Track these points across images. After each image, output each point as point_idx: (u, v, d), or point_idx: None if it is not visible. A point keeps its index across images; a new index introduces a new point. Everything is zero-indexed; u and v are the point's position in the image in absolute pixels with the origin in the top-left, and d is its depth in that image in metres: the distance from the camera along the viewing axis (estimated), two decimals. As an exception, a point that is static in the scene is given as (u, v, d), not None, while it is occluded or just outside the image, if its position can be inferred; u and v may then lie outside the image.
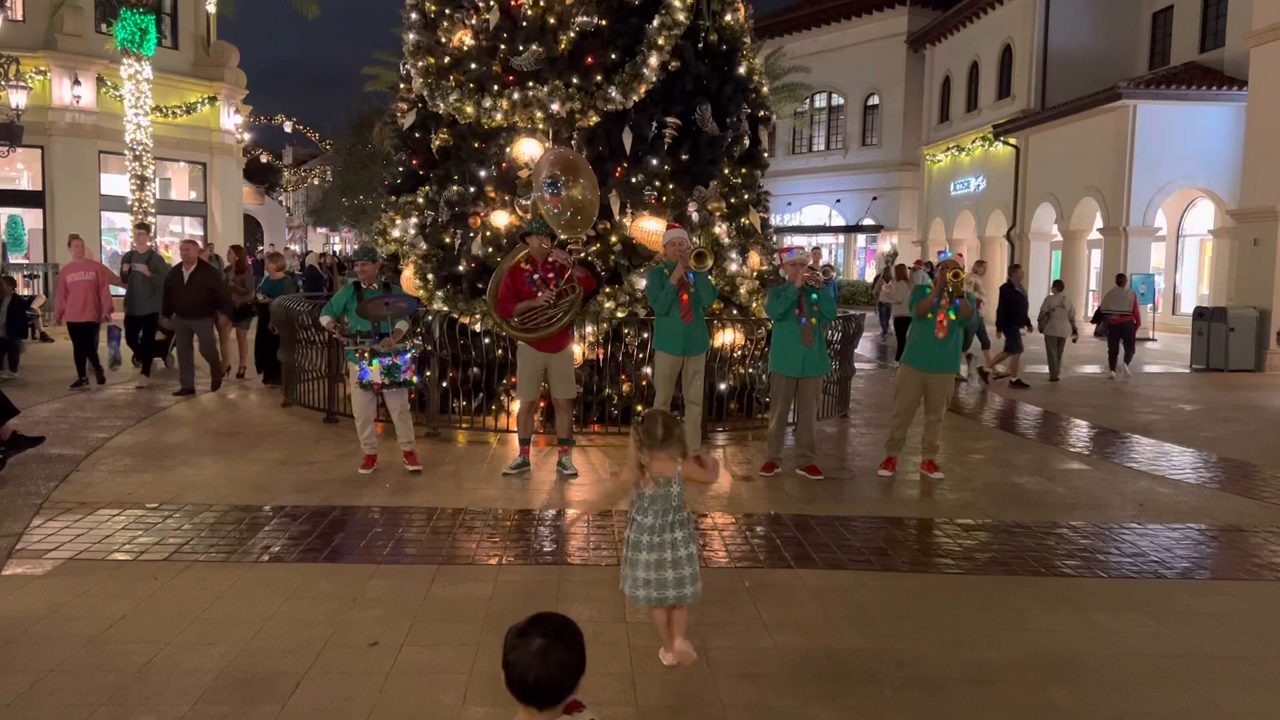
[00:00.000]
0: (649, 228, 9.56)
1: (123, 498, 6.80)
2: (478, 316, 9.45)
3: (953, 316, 7.87)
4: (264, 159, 43.86)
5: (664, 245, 8.06)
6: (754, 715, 3.82)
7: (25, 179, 24.47)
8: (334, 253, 34.67)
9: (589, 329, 9.40)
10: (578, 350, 9.30)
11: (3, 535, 5.90)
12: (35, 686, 3.90)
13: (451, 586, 5.17)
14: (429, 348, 9.29)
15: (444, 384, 9.57)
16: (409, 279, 10.34)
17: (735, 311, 10.02)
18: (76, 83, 23.57)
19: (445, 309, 9.68)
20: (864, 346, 18.57)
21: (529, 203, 9.08)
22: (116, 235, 25.32)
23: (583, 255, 9.54)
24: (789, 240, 34.99)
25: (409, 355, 7.54)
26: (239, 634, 4.46)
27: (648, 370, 9.49)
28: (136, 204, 22.19)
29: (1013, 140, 28.09)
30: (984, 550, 6.08)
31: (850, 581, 5.43)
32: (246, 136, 30.39)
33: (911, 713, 3.88)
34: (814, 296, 7.76)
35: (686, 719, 3.79)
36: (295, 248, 47.22)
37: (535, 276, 7.61)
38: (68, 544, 5.77)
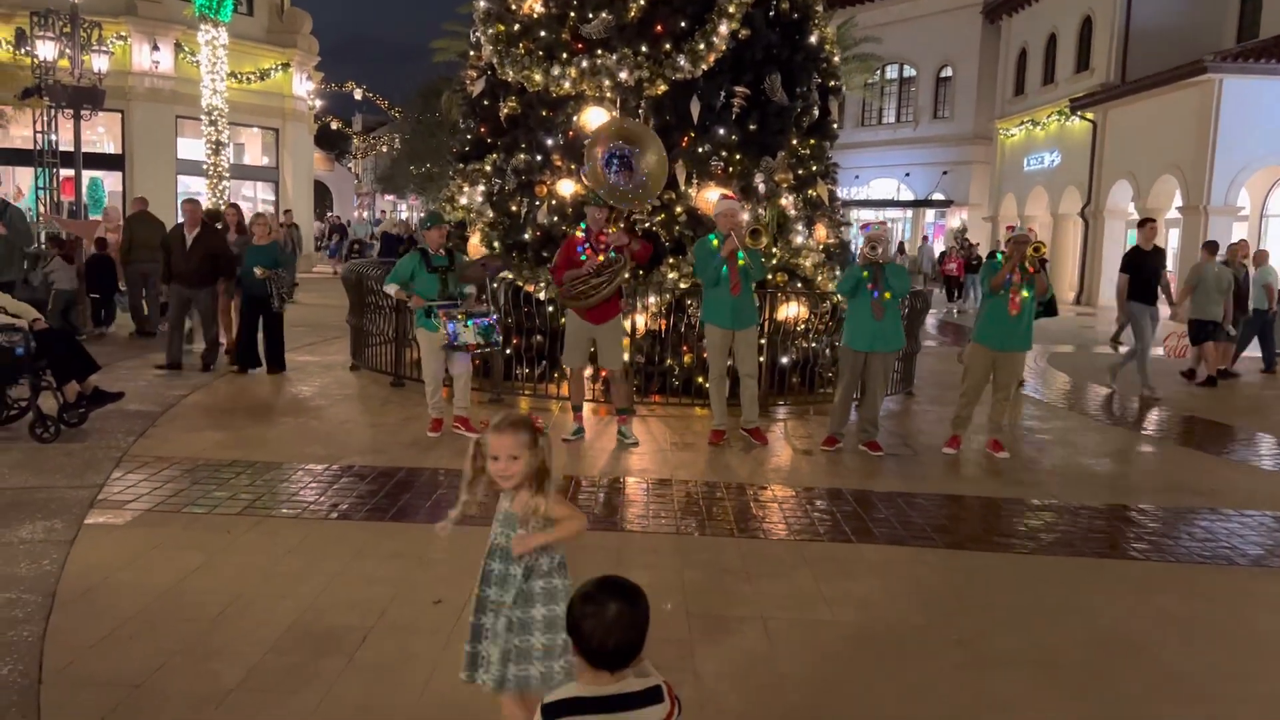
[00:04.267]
0: (714, 198, 9.51)
1: (197, 454, 7.00)
2: (542, 284, 9.51)
3: (1025, 295, 7.71)
4: (334, 126, 44.42)
5: (715, 216, 8.01)
6: (811, 688, 3.82)
7: (106, 143, 25.13)
8: (405, 220, 35.11)
9: (651, 299, 9.40)
10: (640, 321, 9.31)
11: (85, 486, 6.11)
12: (115, 632, 4.05)
13: (513, 549, 5.24)
14: (497, 315, 9.39)
15: (508, 350, 9.66)
16: (475, 246, 10.42)
17: (799, 285, 9.93)
18: (155, 48, 24.08)
19: (510, 276, 9.74)
20: (930, 324, 18.30)
21: (586, 173, 9.08)
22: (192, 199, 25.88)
23: (646, 226, 9.54)
24: (856, 215, 34.50)
25: (495, 317, 7.67)
26: (308, 588, 4.58)
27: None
28: (212, 168, 22.68)
29: (1090, 115, 27.30)
30: (1049, 531, 6.00)
31: (911, 558, 5.40)
32: (318, 103, 30.82)
33: (971, 691, 3.85)
34: (886, 270, 7.65)
35: (744, 686, 3.81)
36: (362, 214, 47.84)
37: (585, 246, 7.65)
38: (145, 496, 5.97)
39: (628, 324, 8.93)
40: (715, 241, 7.76)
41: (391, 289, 7.96)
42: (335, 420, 8.43)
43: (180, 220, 11.01)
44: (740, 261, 7.61)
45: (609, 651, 2.10)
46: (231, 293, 11.16)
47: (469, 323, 7.45)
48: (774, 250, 7.97)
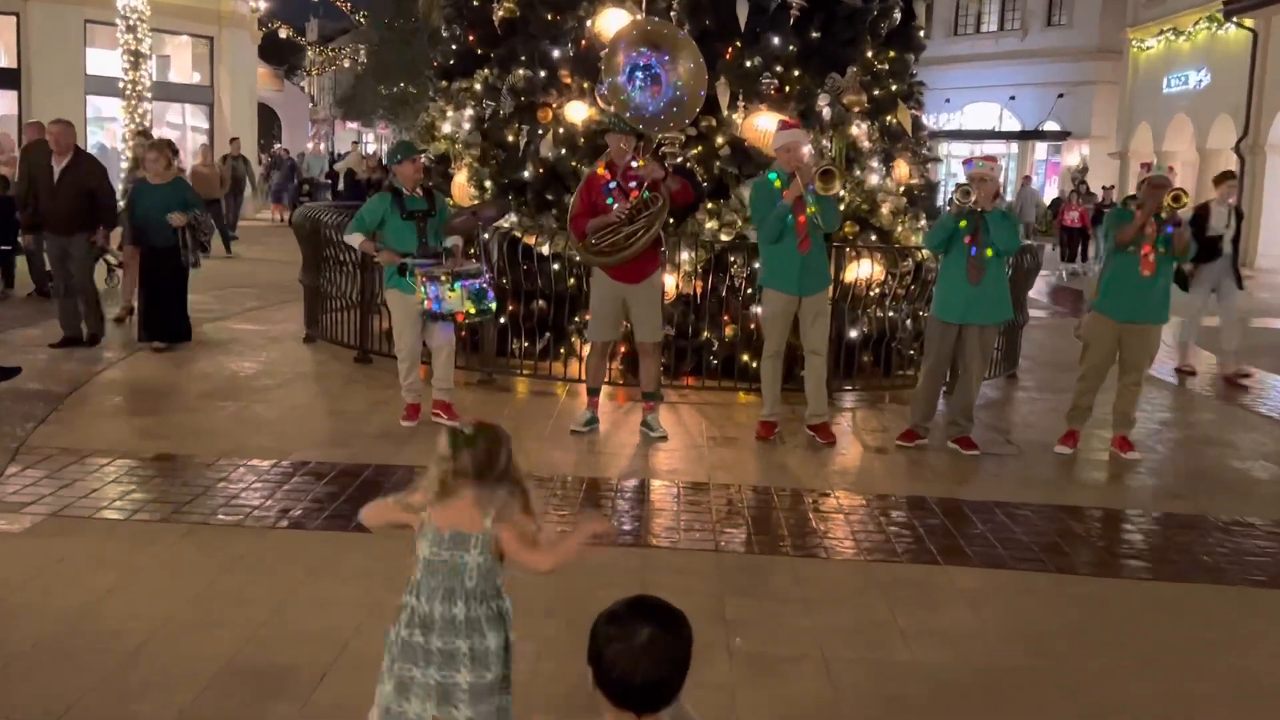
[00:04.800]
0: (765, 127, 9.45)
1: (113, 445, 7.07)
2: (545, 236, 9.52)
3: (1161, 250, 7.64)
4: (284, 34, 44.47)
5: (775, 150, 7.94)
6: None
7: (-3, 54, 25.33)
8: (372, 153, 35.09)
9: (684, 255, 9.40)
10: (670, 282, 9.31)
11: (-28, 484, 6.22)
12: (8, 669, 4.11)
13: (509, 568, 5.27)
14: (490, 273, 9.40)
15: (502, 319, 9.68)
16: (461, 186, 10.45)
17: (874, 237, 9.89)
18: (58, -67, 24.18)
19: (505, 225, 9.75)
20: (1040, 289, 18.19)
21: (607, 92, 9.02)
22: (104, 125, 26.02)
23: (680, 161, 9.52)
24: (946, 149, 34.25)
25: (489, 277, 7.59)
26: (251, 615, 4.62)
27: (757, 309, 9.46)
28: (130, 86, 22.76)
29: (1249, 21, 26.92)
30: (1185, 552, 5.98)
31: (1014, 584, 5.39)
32: (262, 5, 30.84)
33: (1088, 752, 3.86)
34: (989, 220, 7.54)
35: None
36: (319, 145, 47.88)
37: (613, 186, 7.60)
38: (47, 497, 6.03)
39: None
40: (777, 182, 7.67)
41: (355, 239, 7.95)
42: (285, 405, 8.48)
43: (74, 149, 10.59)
44: (810, 209, 7.56)
45: (635, 688, 2.11)
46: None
47: (455, 285, 7.36)
48: (843, 193, 7.88)
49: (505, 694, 3.09)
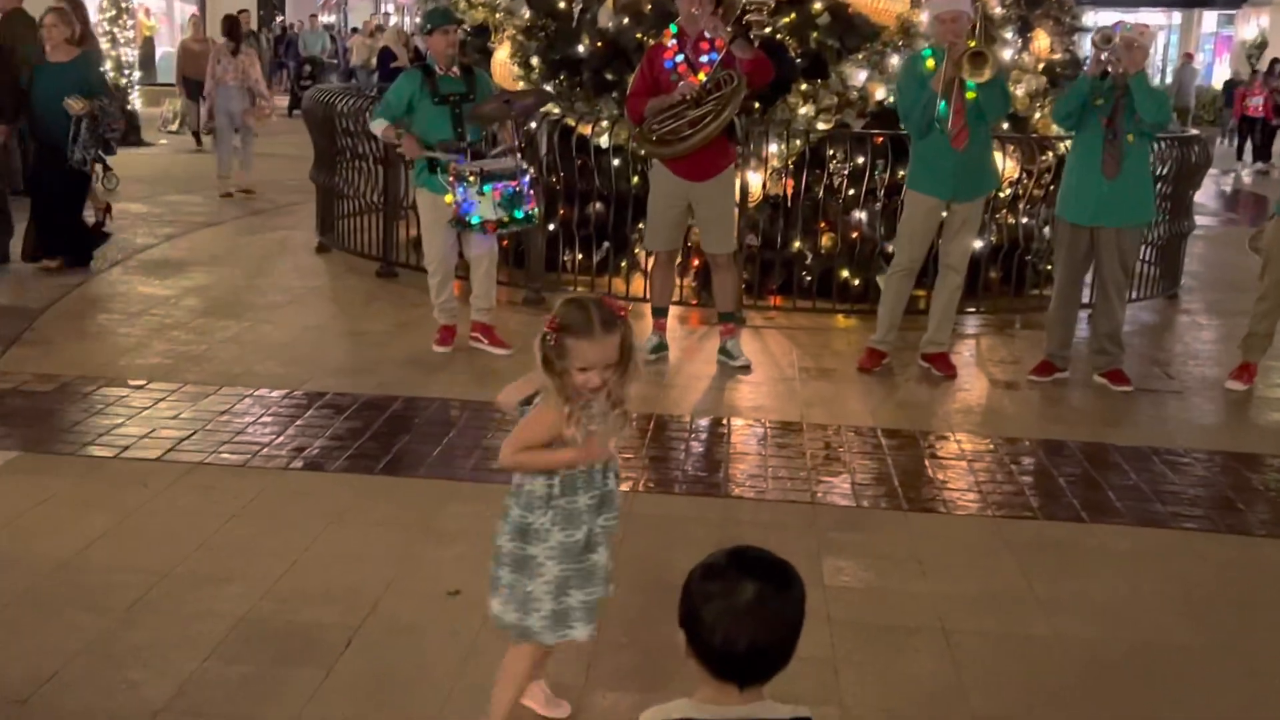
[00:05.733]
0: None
1: (97, 371, 7.19)
2: (604, 124, 9.48)
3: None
4: None
5: (930, 20, 7.72)
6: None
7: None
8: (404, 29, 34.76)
9: (771, 148, 9.33)
10: (754, 181, 9.24)
11: (-65, 415, 6.37)
12: (-13, 623, 4.23)
13: (564, 519, 5.32)
14: (531, 171, 9.37)
15: (551, 226, 9.68)
16: (503, 64, 10.41)
17: (1006, 125, 9.73)
18: None
19: (556, 112, 9.72)
20: (1208, 190, 17.85)
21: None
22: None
23: (769, 31, 9.38)
24: (1093, 17, 33.48)
25: (530, 177, 7.56)
26: (264, 569, 4.69)
27: (859, 215, 9.39)
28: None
29: None
30: (1392, 511, 5.90)
31: (1174, 546, 5.36)
32: None
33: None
34: (1134, 91, 7.32)
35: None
36: (318, 20, 47.64)
37: (679, 59, 7.49)
38: (23, 430, 6.16)
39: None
40: (930, 62, 7.46)
41: (379, 128, 7.91)
42: (297, 326, 8.58)
43: None
44: (970, 94, 7.33)
45: (740, 655, 2.12)
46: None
47: (485, 187, 7.37)
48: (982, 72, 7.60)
49: None
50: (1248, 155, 24.74)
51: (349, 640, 4.19)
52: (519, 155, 7.73)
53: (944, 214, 7.68)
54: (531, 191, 7.55)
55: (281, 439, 6.19)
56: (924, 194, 7.62)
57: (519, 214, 7.42)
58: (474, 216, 7.34)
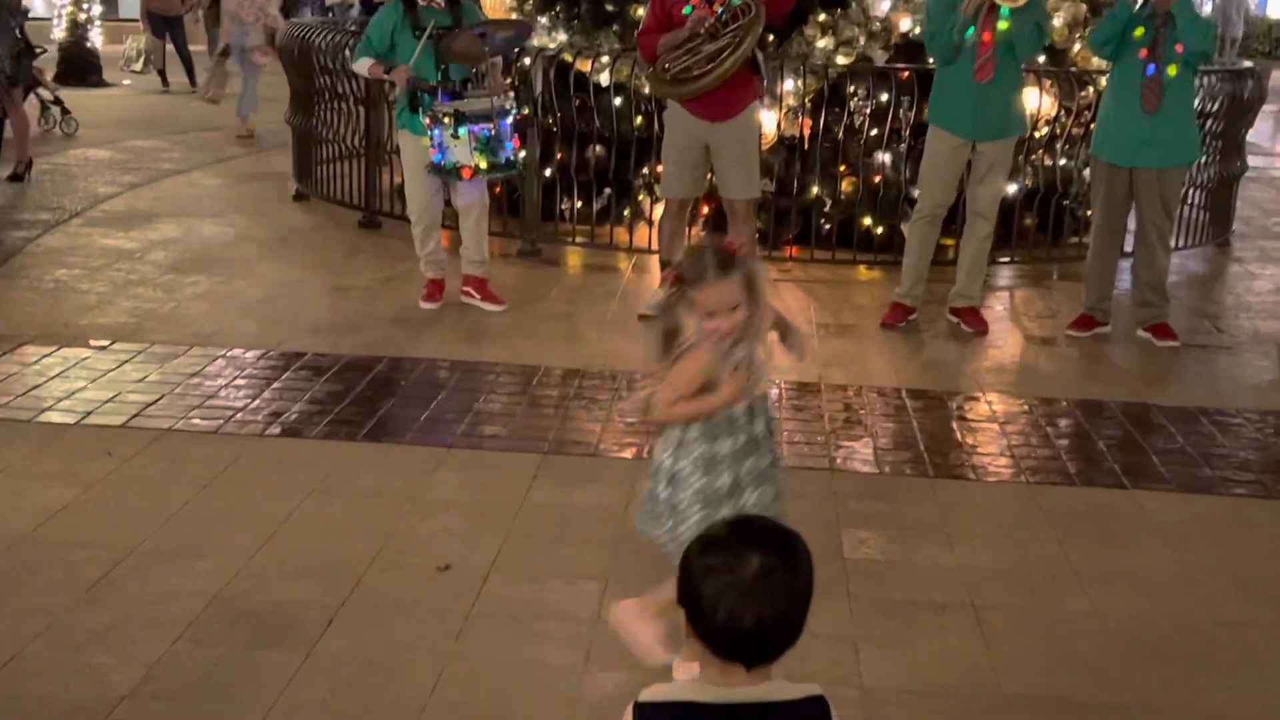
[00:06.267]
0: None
1: (55, 329, 7.18)
2: (604, 60, 9.42)
3: None
4: None
5: None
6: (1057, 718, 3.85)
7: None
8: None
9: (787, 84, 9.28)
10: (769, 121, 9.20)
11: (-119, 379, 6.37)
12: (-61, 603, 4.23)
13: (562, 489, 5.33)
14: (525, 111, 9.33)
15: (548, 171, 9.64)
16: (494, -6, 10.35)
17: (1042, 59, 9.68)
18: None
19: (551, 46, 9.67)
20: (1263, 129, 17.73)
21: None
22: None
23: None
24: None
25: (510, 118, 7.51)
26: (238, 543, 4.68)
27: (883, 157, 9.34)
28: None
29: None
30: None
31: (1224, 513, 5.35)
32: None
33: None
34: (1176, 20, 7.27)
35: (942, 712, 3.84)
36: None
37: None
38: (-26, 395, 6.18)
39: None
40: None
41: (363, 66, 7.87)
42: (273, 281, 8.57)
43: None
44: (1002, 24, 7.30)
45: (744, 634, 2.11)
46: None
47: (460, 130, 7.31)
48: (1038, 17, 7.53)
49: None
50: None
51: (330, 620, 4.18)
52: (509, 95, 7.67)
53: (970, 156, 7.66)
54: (516, 134, 7.51)
55: (257, 403, 6.17)
56: (945, 130, 7.62)
57: (499, 159, 7.39)
58: (449, 162, 7.34)
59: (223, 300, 8.02)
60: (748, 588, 2.10)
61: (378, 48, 7.69)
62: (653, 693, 2.18)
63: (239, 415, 6.01)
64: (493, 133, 7.36)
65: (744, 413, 3.67)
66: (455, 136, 7.29)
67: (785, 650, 2.15)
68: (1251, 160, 12.03)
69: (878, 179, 9.36)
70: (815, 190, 9.44)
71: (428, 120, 7.35)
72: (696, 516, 3.62)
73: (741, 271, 3.51)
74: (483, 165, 7.38)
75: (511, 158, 7.53)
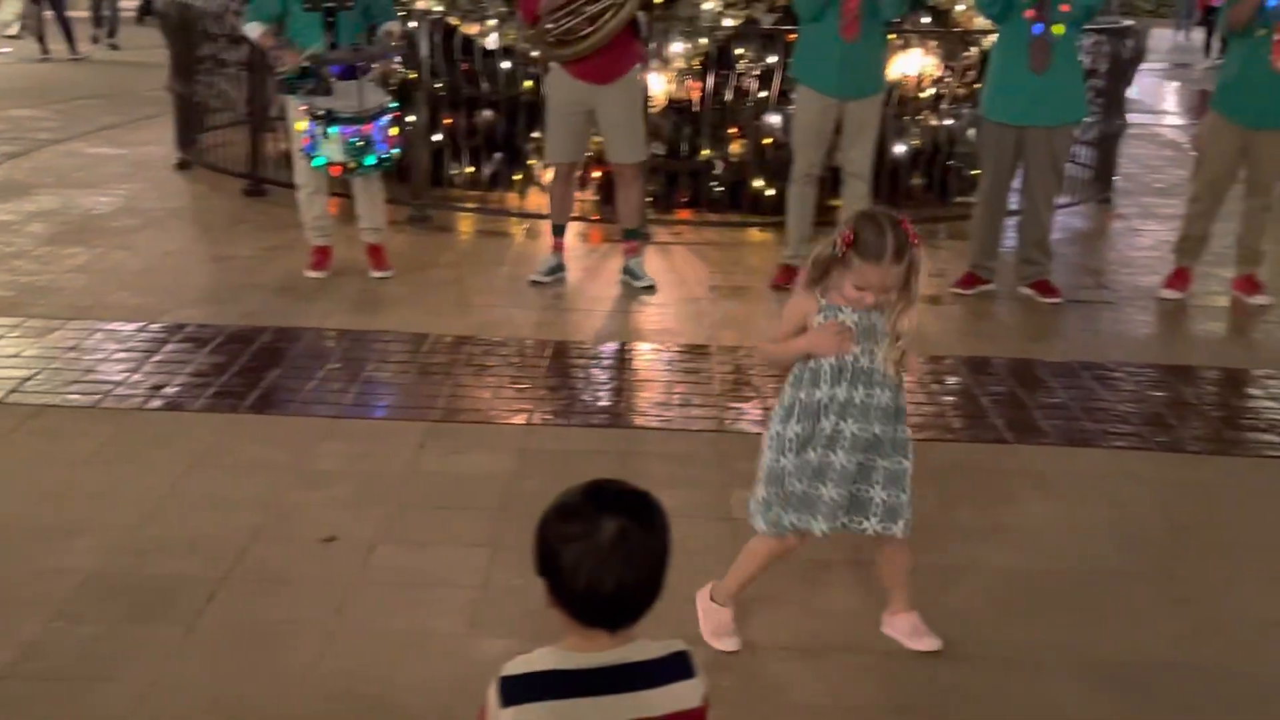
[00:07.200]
0: None
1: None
2: (490, 23, 9.36)
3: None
4: None
5: None
6: (938, 667, 3.88)
7: None
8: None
9: (676, 47, 9.26)
10: (655, 83, 9.18)
11: None
12: None
13: (450, 457, 5.31)
14: (412, 75, 9.24)
15: (437, 137, 9.57)
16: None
17: (927, 19, 9.74)
18: None
19: (437, 9, 9.59)
20: (1149, 88, 18.02)
21: None
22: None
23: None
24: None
25: (388, 117, 7.39)
26: (118, 518, 4.62)
27: (774, 119, 9.36)
28: None
29: None
30: (1334, 424, 6.03)
31: (1106, 467, 5.43)
32: None
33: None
34: None
35: (821, 667, 3.87)
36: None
37: None
38: None
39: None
40: None
41: (254, 31, 7.74)
42: (154, 251, 8.44)
43: None
44: None
45: (607, 597, 2.12)
46: None
47: (331, 130, 7.20)
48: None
49: None
50: (1215, 50, 24.87)
51: (212, 594, 4.14)
52: (395, 69, 7.56)
53: (838, 117, 7.71)
54: (392, 132, 7.45)
55: (137, 376, 6.08)
56: (812, 89, 7.67)
57: (369, 160, 7.32)
58: (318, 157, 7.29)
59: (102, 272, 7.88)
60: (606, 553, 2.11)
61: (267, 13, 7.57)
62: (516, 664, 2.18)
63: (118, 389, 5.91)
64: (361, 141, 7.25)
65: (861, 379, 3.72)
66: (326, 136, 7.23)
67: (646, 611, 2.17)
68: (1132, 117, 12.23)
69: (767, 141, 9.38)
70: (706, 153, 9.44)
71: (302, 107, 7.26)
72: (771, 457, 3.90)
73: (910, 260, 3.57)
74: (351, 165, 7.33)
75: (385, 157, 7.43)
